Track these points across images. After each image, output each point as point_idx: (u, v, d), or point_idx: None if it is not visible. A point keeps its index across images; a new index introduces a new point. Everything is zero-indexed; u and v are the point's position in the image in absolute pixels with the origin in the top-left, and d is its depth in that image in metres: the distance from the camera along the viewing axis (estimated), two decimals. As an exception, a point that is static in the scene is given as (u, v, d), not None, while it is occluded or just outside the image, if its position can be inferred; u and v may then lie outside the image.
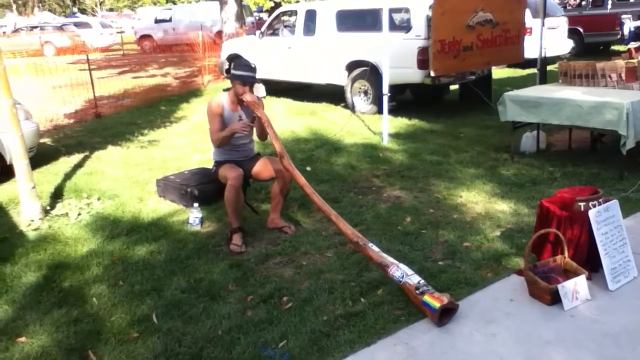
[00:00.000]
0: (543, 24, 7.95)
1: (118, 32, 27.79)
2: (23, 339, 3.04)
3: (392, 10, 8.26)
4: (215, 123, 4.17)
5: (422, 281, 3.13)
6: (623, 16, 14.34)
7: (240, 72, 4.08)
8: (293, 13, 10.33)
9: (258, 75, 4.22)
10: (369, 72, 8.35)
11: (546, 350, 2.72)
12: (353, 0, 9.15)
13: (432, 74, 7.45)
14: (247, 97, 4.05)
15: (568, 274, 3.25)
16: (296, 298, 3.33)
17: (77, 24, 27.07)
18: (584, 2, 15.84)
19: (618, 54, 7.54)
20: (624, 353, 2.68)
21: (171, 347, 2.91)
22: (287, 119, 8.49)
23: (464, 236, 4.08)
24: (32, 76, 12.70)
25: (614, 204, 3.41)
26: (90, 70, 9.88)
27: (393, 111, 7.60)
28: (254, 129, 4.32)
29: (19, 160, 4.73)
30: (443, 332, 2.91)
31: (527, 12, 9.73)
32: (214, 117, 4.17)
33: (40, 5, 47.01)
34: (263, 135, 4.27)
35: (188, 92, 11.79)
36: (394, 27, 8.30)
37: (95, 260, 3.94)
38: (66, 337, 3.03)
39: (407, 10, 8.29)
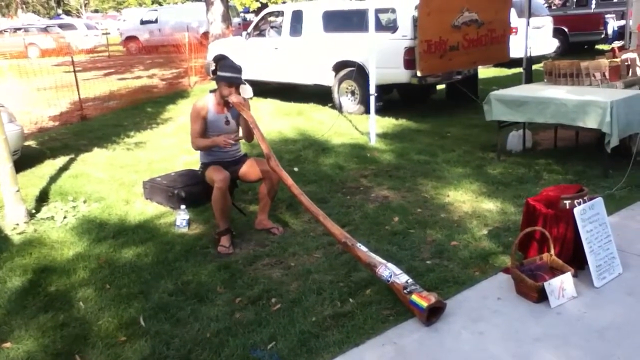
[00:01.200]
0: (528, 24, 8.02)
1: (103, 34, 27.56)
2: (8, 344, 3.01)
3: (379, 11, 8.27)
4: (196, 125, 4.15)
5: (410, 280, 3.13)
6: (607, 16, 14.51)
7: (225, 73, 4.06)
8: (279, 14, 10.32)
9: (245, 76, 4.21)
10: (356, 73, 8.37)
11: (534, 348, 2.74)
12: (339, 0, 9.17)
13: (419, 73, 7.48)
14: (233, 99, 4.03)
15: (554, 271, 3.27)
16: (285, 299, 3.32)
17: (61, 26, 26.82)
18: (568, 2, 15.99)
19: (602, 53, 7.62)
20: (611, 348, 2.70)
21: (159, 350, 2.89)
22: (275, 120, 8.48)
23: (452, 235, 4.10)
24: (16, 78, 12.56)
25: (599, 201, 3.44)
26: (75, 72, 9.80)
27: (380, 111, 7.62)
28: (240, 131, 4.31)
29: (2, 164, 4.67)
30: (431, 331, 2.92)
31: (513, 12, 9.81)
32: (196, 119, 4.15)
33: (23, 6, 46.51)
34: (250, 136, 4.26)
35: (174, 93, 11.74)
36: (380, 27, 8.30)
37: (81, 263, 3.90)
38: (52, 342, 3.00)
39: (393, 11, 8.32)
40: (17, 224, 4.61)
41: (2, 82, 12.10)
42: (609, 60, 5.88)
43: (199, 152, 4.38)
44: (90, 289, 3.56)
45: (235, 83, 4.09)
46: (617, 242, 3.46)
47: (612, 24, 14.51)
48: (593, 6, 15.18)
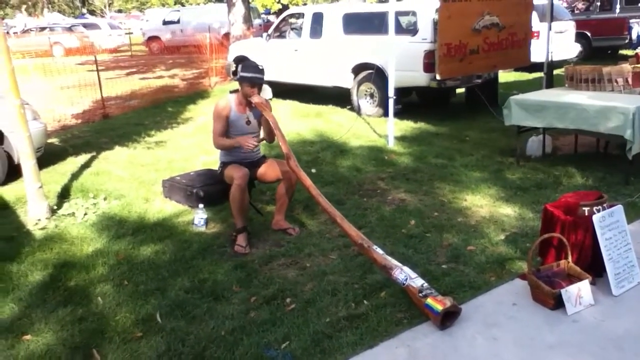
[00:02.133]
0: (550, 28, 7.95)
1: (126, 33, 27.91)
2: (28, 336, 3.07)
3: (399, 14, 8.27)
4: (218, 124, 4.19)
5: (426, 284, 3.13)
6: (631, 20, 14.28)
7: (248, 73, 4.10)
8: (300, 15, 10.36)
9: (265, 78, 4.25)
10: (375, 75, 8.36)
11: (549, 355, 2.72)
12: (360, 3, 9.15)
13: (438, 77, 7.44)
14: (255, 99, 4.07)
15: (572, 278, 3.24)
16: (299, 299, 3.34)
17: (85, 25, 27.25)
18: (592, 6, 15.78)
19: (626, 58, 7.52)
20: (628, 358, 2.67)
21: (174, 347, 2.93)
22: (293, 121, 8.51)
23: (468, 240, 4.08)
24: (40, 76, 12.79)
25: (619, 209, 3.40)
26: (98, 71, 9.95)
27: (399, 114, 7.61)
28: (262, 131, 4.35)
29: (26, 160, 4.78)
30: (445, 335, 2.92)
31: (534, 16, 9.71)
32: (218, 118, 4.19)
33: (49, 6, 47.31)
34: (271, 137, 4.29)
35: (195, 93, 11.84)
36: (400, 30, 8.30)
37: (100, 259, 3.97)
38: (71, 336, 3.06)
39: (413, 14, 8.31)
40: (39, 220, 4.70)
41: (26, 80, 12.32)
42: (632, 65, 5.80)
43: (218, 152, 4.42)
44: (109, 284, 3.62)
45: (257, 83, 4.12)
46: (636, 250, 3.42)
47: (637, 29, 14.28)
48: (617, 10, 14.96)
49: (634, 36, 14.21)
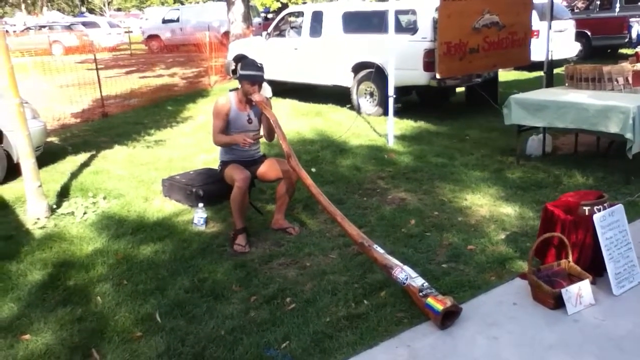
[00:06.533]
0: (550, 27, 7.92)
1: (126, 32, 27.88)
2: (27, 336, 3.06)
3: (399, 12, 8.25)
4: (218, 121, 4.18)
5: (426, 284, 3.12)
6: (631, 19, 14.26)
7: (248, 71, 4.10)
8: (300, 14, 10.36)
9: (265, 76, 4.24)
10: (375, 74, 8.34)
11: (549, 355, 2.71)
12: (359, 2, 9.14)
13: (438, 76, 7.43)
14: (256, 97, 4.06)
15: (572, 278, 3.24)
16: (299, 299, 3.34)
17: (85, 24, 27.19)
18: (591, 5, 15.77)
19: (626, 57, 7.51)
20: (628, 358, 2.66)
21: (174, 347, 2.92)
22: (293, 120, 8.50)
23: (468, 239, 4.07)
24: (40, 75, 12.76)
25: (619, 208, 3.39)
26: (97, 69, 9.94)
27: (398, 113, 7.60)
28: (262, 129, 4.34)
29: (25, 159, 4.77)
30: (445, 334, 2.91)
31: (534, 15, 9.69)
32: (218, 115, 4.18)
33: (49, 4, 47.26)
34: (271, 135, 4.29)
35: (195, 92, 11.83)
36: (400, 29, 8.29)
37: (100, 259, 3.96)
38: (70, 335, 3.05)
39: (413, 12, 8.29)
40: (39, 219, 4.69)
41: (26, 79, 12.29)
42: (632, 65, 5.79)
43: (218, 151, 4.42)
44: (108, 284, 3.61)
45: (258, 81, 4.12)
46: (637, 250, 3.41)
47: (637, 28, 14.26)
48: (617, 9, 14.94)
49: (634, 35, 14.19)
